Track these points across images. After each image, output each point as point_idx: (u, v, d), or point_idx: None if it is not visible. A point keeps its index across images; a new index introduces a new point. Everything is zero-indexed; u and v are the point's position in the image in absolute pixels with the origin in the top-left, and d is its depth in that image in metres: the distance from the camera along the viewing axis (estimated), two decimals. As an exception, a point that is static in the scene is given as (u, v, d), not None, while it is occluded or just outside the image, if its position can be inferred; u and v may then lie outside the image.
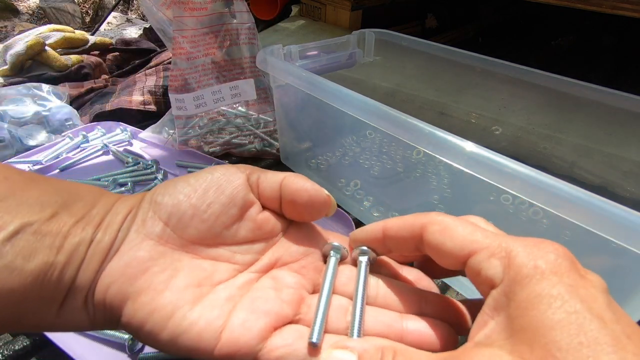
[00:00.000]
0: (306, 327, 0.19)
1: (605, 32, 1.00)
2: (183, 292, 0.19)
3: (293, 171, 0.49)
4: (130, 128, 0.52)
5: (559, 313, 0.14)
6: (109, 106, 0.57)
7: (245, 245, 0.21)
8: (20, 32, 0.71)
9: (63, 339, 0.27)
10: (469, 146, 0.26)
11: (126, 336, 0.26)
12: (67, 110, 0.54)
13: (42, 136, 0.51)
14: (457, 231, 0.18)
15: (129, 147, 0.50)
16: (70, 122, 0.53)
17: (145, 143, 0.51)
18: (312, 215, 0.22)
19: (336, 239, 0.23)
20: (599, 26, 1.04)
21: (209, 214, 0.20)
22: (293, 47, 0.45)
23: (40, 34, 0.68)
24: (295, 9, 0.93)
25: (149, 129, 0.53)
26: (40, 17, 2.00)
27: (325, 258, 0.22)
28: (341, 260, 0.22)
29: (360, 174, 0.41)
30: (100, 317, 0.18)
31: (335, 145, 0.43)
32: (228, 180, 0.21)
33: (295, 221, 0.23)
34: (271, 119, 0.52)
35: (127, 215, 0.20)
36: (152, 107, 0.59)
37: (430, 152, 0.28)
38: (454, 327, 0.20)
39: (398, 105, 0.30)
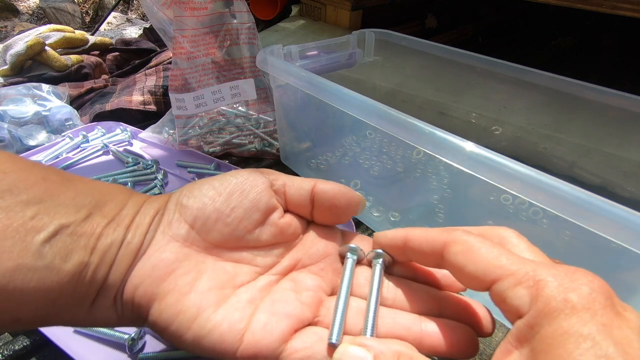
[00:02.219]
0: (325, 329, 0.20)
1: (605, 32, 1.00)
2: (207, 294, 0.19)
3: (293, 171, 0.49)
4: (130, 128, 0.52)
5: (588, 355, 0.12)
6: (109, 106, 0.57)
7: (267, 249, 0.22)
8: (20, 32, 0.71)
9: (63, 339, 0.27)
10: (469, 146, 0.26)
11: (126, 336, 0.26)
12: (67, 110, 0.54)
13: (42, 136, 0.50)
14: (480, 254, 0.16)
15: (129, 147, 0.50)
16: (70, 122, 0.53)
17: (145, 143, 0.51)
18: (348, 216, 0.23)
19: (353, 238, 0.24)
20: (599, 26, 1.04)
21: (233, 217, 0.20)
22: (293, 47, 0.45)
23: (40, 34, 0.68)
24: (295, 9, 0.93)
25: (149, 129, 0.53)
26: (40, 17, 2.00)
27: (342, 259, 0.23)
28: (358, 261, 0.22)
29: (360, 174, 0.41)
30: (128, 315, 0.19)
31: (335, 145, 0.43)
32: (252, 185, 0.21)
33: (313, 223, 0.24)
34: (271, 119, 0.52)
35: (154, 216, 0.20)
36: (152, 107, 0.59)
37: (430, 152, 0.28)
38: (474, 329, 0.20)
39: (398, 105, 0.30)
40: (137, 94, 0.60)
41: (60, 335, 0.27)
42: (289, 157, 0.50)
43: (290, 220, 0.22)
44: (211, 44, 0.47)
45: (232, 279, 0.20)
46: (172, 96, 0.47)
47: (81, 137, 0.50)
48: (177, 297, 0.19)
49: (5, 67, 0.63)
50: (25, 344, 0.28)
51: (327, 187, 0.22)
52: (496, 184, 0.25)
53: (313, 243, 0.23)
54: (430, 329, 0.19)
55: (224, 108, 0.51)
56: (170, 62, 0.66)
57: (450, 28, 0.95)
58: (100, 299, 0.18)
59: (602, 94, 0.40)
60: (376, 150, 0.38)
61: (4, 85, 0.59)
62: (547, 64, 0.84)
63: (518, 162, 0.24)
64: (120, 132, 0.52)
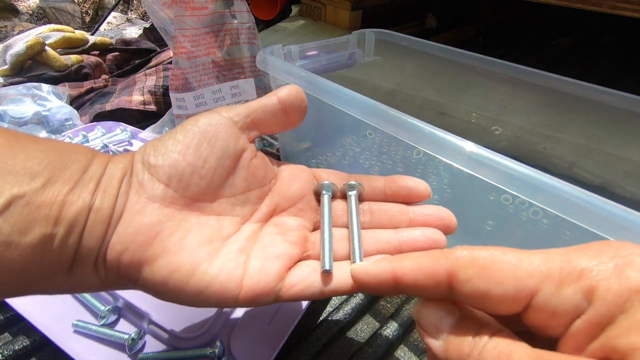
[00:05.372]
0: (315, 260, 0.21)
1: (605, 32, 1.00)
2: (198, 250, 0.19)
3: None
4: (130, 128, 0.52)
5: None
6: (109, 106, 0.57)
7: (242, 195, 0.22)
8: (20, 32, 0.71)
9: (63, 339, 0.27)
10: (469, 146, 0.26)
11: (126, 336, 0.27)
12: (67, 110, 0.54)
13: (42, 136, 0.51)
14: (500, 269, 0.14)
15: (129, 147, 0.50)
16: (70, 122, 0.53)
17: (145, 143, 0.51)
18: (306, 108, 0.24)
19: (324, 175, 0.25)
20: (599, 26, 1.04)
21: (207, 169, 0.20)
22: (293, 47, 0.45)
23: (40, 34, 0.68)
24: (295, 9, 0.93)
25: (149, 129, 0.53)
26: (40, 17, 2.00)
27: (318, 197, 0.24)
28: (333, 197, 0.24)
29: (360, 174, 0.41)
30: (113, 279, 0.19)
31: (335, 145, 0.43)
32: (215, 131, 0.21)
33: (284, 166, 0.25)
34: (271, 119, 0.52)
35: (122, 178, 0.19)
36: (152, 107, 0.59)
37: (430, 152, 0.28)
38: (440, 229, 0.22)
39: (398, 105, 0.30)
40: (137, 93, 0.60)
41: (60, 335, 0.27)
42: (289, 157, 0.50)
43: (261, 161, 0.23)
44: (211, 44, 0.47)
45: (218, 232, 0.21)
46: (173, 95, 0.47)
47: (81, 137, 0.50)
48: (168, 258, 0.19)
49: (5, 67, 0.63)
50: (25, 344, 0.28)
51: (288, 91, 0.23)
52: (496, 184, 0.25)
53: (288, 186, 0.24)
54: (406, 237, 0.22)
55: (224, 108, 0.51)
56: (170, 62, 0.66)
57: (450, 28, 0.95)
58: (77, 266, 0.18)
59: (602, 94, 0.40)
60: (376, 150, 0.38)
61: (4, 85, 0.59)
62: (547, 64, 0.84)
63: (518, 162, 0.24)
64: (120, 132, 0.52)
